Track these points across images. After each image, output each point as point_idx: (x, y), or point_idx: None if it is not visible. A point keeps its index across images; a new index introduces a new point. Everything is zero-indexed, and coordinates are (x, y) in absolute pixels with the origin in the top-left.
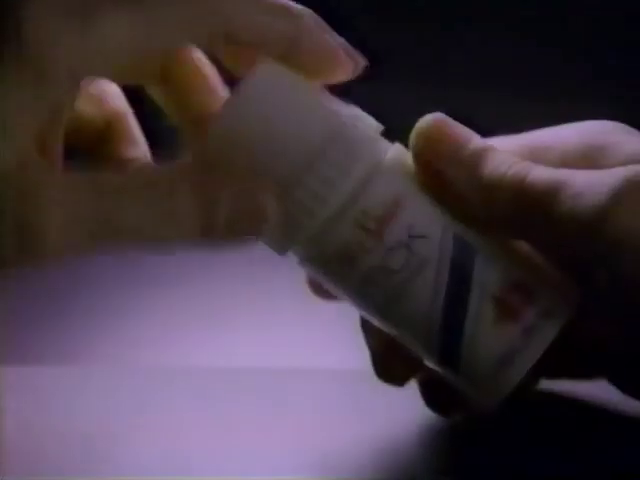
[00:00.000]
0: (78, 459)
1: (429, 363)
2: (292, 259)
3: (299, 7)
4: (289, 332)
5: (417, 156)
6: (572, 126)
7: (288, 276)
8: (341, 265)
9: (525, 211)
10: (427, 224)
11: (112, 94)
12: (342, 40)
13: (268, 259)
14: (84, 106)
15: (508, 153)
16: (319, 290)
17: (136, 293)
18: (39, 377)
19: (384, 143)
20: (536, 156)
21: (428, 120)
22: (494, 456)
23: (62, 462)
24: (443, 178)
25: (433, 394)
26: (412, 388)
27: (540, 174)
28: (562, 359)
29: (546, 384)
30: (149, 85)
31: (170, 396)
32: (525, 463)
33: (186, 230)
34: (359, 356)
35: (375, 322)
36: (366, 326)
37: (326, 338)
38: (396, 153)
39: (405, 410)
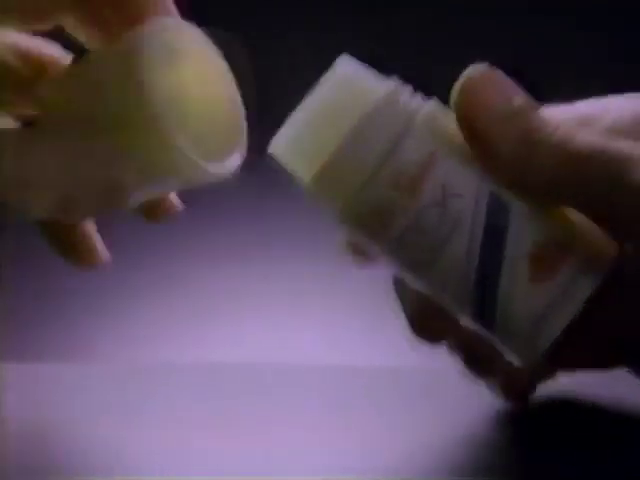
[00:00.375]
0: (78, 456)
1: (466, 321)
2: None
3: None
4: (299, 327)
5: (459, 108)
6: (621, 97)
7: (288, 272)
8: (377, 224)
9: (569, 173)
10: (462, 182)
11: (41, 45)
12: None
13: (266, 255)
14: (8, 58)
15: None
16: (357, 251)
17: (136, 291)
18: (40, 374)
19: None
20: (585, 125)
21: (474, 71)
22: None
23: (62, 458)
24: (483, 133)
25: (469, 355)
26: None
27: (586, 138)
28: (580, 347)
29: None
30: (65, 17)
31: (176, 393)
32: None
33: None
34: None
35: (411, 280)
36: (399, 285)
37: (337, 333)
38: (430, 109)
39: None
